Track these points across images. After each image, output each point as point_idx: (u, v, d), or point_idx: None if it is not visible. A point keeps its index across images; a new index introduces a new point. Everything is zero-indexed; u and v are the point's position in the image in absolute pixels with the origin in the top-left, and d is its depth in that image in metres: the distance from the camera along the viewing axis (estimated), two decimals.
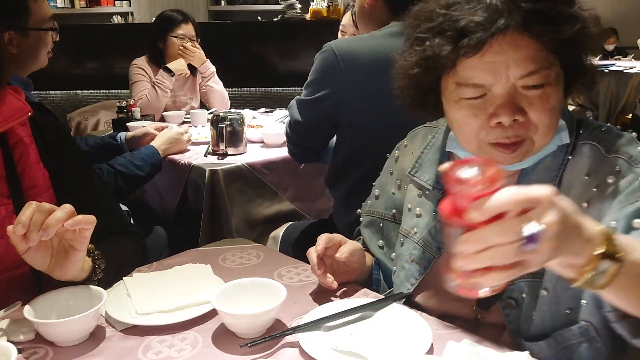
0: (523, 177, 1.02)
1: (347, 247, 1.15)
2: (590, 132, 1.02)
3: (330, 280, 1.13)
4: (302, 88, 1.92)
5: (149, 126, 2.43)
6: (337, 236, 1.18)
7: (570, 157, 1.00)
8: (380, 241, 1.28)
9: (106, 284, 1.13)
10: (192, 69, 3.37)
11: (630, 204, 0.91)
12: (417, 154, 1.21)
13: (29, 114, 1.18)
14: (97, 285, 1.08)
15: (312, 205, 2.37)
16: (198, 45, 3.30)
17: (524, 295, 1.00)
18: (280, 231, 2.29)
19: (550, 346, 0.97)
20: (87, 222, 1.00)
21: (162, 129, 2.40)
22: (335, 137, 1.98)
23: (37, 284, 1.14)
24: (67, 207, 0.98)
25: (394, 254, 1.23)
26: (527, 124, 0.94)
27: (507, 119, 0.92)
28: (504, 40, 0.90)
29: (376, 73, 1.72)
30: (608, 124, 1.05)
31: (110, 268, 1.15)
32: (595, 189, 0.95)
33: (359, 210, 1.38)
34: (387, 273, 1.26)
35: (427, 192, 1.16)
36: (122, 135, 2.36)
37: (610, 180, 0.94)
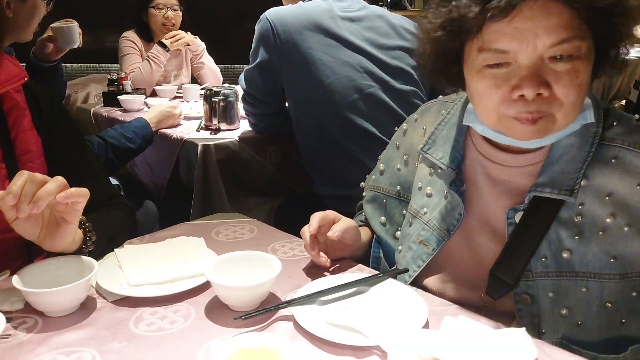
0: (547, 167, 0.98)
1: (340, 226, 1.13)
2: (626, 130, 0.97)
3: (324, 260, 1.11)
4: None
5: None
6: (331, 213, 1.16)
7: (614, 160, 0.95)
8: (383, 217, 1.25)
9: (97, 255, 1.11)
10: None
11: None
12: (431, 129, 1.16)
13: (25, 79, 1.16)
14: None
15: (305, 182, 2.35)
16: (181, 32, 3.22)
17: (550, 295, 0.98)
18: (273, 207, 2.28)
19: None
20: (80, 195, 0.97)
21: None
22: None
23: (28, 249, 1.12)
24: (59, 180, 0.96)
25: (398, 232, 1.21)
26: (552, 99, 0.88)
27: (531, 91, 0.87)
28: (535, 5, 0.84)
29: (307, 33, 1.91)
30: (637, 118, 0.99)
31: (101, 240, 1.13)
32: None
33: (362, 183, 1.36)
34: (388, 251, 1.24)
35: (439, 170, 1.12)
36: None
37: None
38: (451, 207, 1.09)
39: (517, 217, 1.00)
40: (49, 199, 0.93)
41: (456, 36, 0.94)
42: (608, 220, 0.94)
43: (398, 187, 1.23)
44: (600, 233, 0.94)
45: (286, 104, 2.15)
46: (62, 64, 4.66)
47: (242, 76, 2.11)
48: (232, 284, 0.97)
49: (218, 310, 0.99)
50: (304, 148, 2.12)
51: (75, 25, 2.35)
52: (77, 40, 2.36)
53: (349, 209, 1.22)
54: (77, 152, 1.27)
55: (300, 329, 0.92)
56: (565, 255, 0.96)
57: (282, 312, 0.97)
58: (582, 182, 0.95)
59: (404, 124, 1.27)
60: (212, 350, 0.87)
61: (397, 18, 2.09)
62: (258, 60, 1.99)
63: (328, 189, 2.06)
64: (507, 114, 0.92)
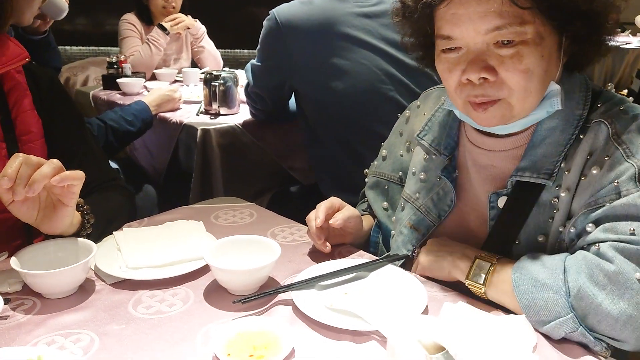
0: (530, 150, 0.97)
1: (343, 214, 1.13)
2: (608, 108, 0.94)
3: (328, 248, 1.12)
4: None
5: None
6: (336, 202, 1.16)
7: (582, 136, 0.93)
8: (385, 203, 1.25)
9: (95, 238, 1.10)
10: None
11: (595, 208, 0.88)
12: (428, 116, 1.16)
13: (27, 59, 1.16)
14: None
15: (304, 169, 2.34)
16: (181, 15, 3.20)
17: None
18: (270, 194, 2.27)
19: None
20: (75, 178, 0.97)
21: None
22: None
23: (28, 229, 1.11)
24: (55, 163, 0.95)
25: (394, 217, 1.21)
26: (499, 84, 0.89)
27: (474, 75, 0.89)
28: None
29: (319, 37, 1.76)
30: (631, 101, 0.96)
31: (99, 223, 1.13)
32: (582, 178, 0.91)
33: (366, 170, 1.35)
34: (388, 236, 1.24)
35: (433, 156, 1.12)
36: None
37: (594, 172, 0.90)
38: (443, 193, 1.10)
39: (501, 202, 1.00)
40: (45, 181, 0.92)
41: (413, 22, 0.98)
42: (563, 194, 0.93)
43: (400, 173, 1.23)
44: (556, 212, 0.94)
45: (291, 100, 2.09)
46: (61, 47, 4.64)
47: (248, 68, 2.01)
48: (231, 268, 0.96)
49: (217, 294, 0.98)
50: (314, 152, 2.02)
51: None
52: (66, 5, 2.29)
53: None
54: (77, 134, 1.26)
55: (299, 314, 0.91)
56: (540, 239, 0.96)
57: (282, 296, 0.97)
58: (562, 165, 0.95)
59: (407, 111, 1.27)
60: (211, 334, 0.86)
61: None
62: (266, 61, 1.90)
63: (337, 194, 1.96)
64: (462, 97, 0.94)
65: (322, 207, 1.13)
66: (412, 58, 1.83)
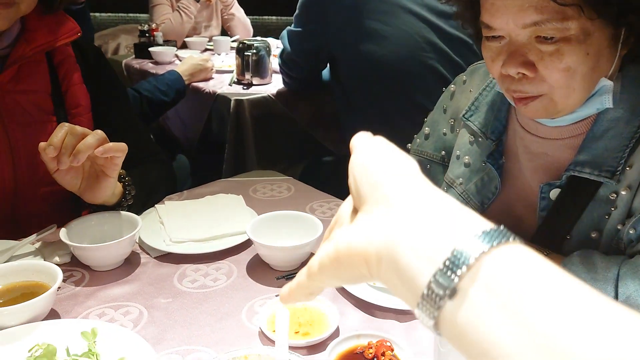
0: (590, 141, 0.90)
1: None
2: None
3: None
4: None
5: None
6: None
7: None
8: None
9: (136, 210, 1.12)
10: None
11: None
12: (475, 94, 1.09)
13: (79, 34, 1.17)
14: (127, 211, 1.08)
15: (335, 140, 2.33)
16: None
17: None
18: (302, 164, 2.27)
19: None
20: (118, 150, 0.98)
21: None
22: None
23: (76, 201, 1.14)
24: (99, 134, 0.96)
25: None
26: (538, 81, 0.83)
27: (512, 69, 0.84)
28: None
29: (360, 1, 1.73)
30: None
31: (140, 194, 1.14)
32: None
33: (408, 145, 1.32)
34: None
35: (479, 139, 1.06)
36: None
37: None
38: (488, 179, 1.05)
39: (553, 194, 0.95)
40: (89, 152, 0.94)
41: (461, 5, 0.94)
42: (623, 192, 0.88)
43: (443, 152, 1.18)
44: (614, 209, 0.89)
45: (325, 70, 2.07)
46: (90, 13, 4.64)
47: (284, 35, 2.00)
48: (275, 244, 0.97)
49: (260, 269, 0.99)
50: (348, 120, 2.00)
51: None
52: None
53: None
54: (122, 109, 1.28)
55: (342, 291, 0.92)
56: (593, 235, 0.92)
57: None
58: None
59: (452, 85, 1.20)
60: (256, 309, 0.88)
61: None
62: (305, 26, 1.88)
63: None
64: (504, 89, 0.90)
65: None
66: (452, 26, 1.81)
